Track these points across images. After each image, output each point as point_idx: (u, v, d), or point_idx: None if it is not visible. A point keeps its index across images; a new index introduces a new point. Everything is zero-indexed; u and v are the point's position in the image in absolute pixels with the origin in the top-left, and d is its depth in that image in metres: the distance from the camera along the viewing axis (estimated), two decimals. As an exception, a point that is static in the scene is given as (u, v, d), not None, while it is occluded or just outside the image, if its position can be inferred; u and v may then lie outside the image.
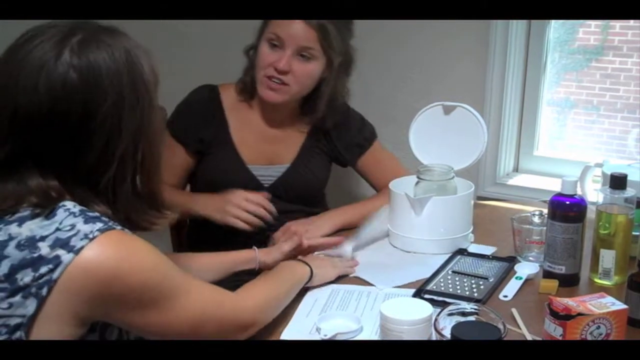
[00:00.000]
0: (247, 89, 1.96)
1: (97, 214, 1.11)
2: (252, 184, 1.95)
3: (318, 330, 1.37)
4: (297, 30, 1.82)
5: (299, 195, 2.01)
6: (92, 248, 1.06)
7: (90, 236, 1.07)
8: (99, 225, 1.09)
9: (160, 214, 1.23)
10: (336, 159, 2.07)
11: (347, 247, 1.72)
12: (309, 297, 1.53)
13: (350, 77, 1.99)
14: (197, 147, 1.96)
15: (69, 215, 1.09)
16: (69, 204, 1.11)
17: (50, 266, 1.05)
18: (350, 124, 2.05)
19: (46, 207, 1.10)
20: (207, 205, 1.87)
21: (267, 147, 1.99)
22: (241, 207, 1.82)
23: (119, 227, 1.11)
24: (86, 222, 1.08)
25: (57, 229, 1.07)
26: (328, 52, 1.86)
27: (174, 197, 1.91)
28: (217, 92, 1.99)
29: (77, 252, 1.05)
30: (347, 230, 1.90)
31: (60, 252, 1.05)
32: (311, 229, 1.84)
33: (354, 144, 2.05)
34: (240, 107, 1.99)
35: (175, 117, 1.98)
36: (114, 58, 1.11)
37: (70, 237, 1.06)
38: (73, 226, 1.08)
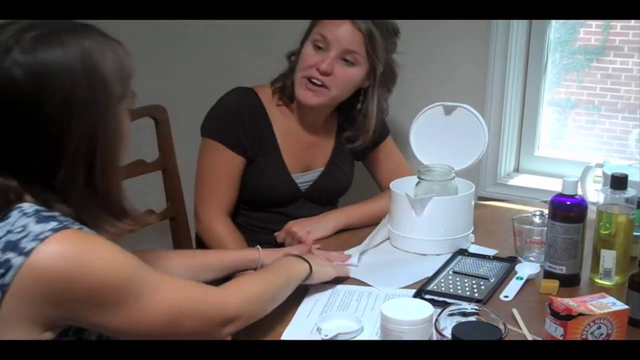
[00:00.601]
0: (287, 94, 1.93)
1: (53, 213, 1.08)
2: (293, 191, 1.96)
3: (319, 330, 1.37)
4: (344, 32, 1.81)
5: (331, 197, 2.03)
6: (42, 249, 1.03)
7: (41, 237, 1.03)
8: (53, 224, 1.05)
9: (118, 222, 1.17)
10: (354, 155, 2.08)
11: (354, 259, 1.71)
12: (309, 297, 1.53)
13: (391, 94, 1.97)
14: (249, 154, 1.90)
15: (22, 216, 1.06)
16: (26, 205, 1.08)
17: (2, 270, 1.02)
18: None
19: (2, 209, 1.07)
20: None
21: (306, 153, 1.98)
22: None
23: (76, 226, 1.08)
24: (38, 222, 1.05)
25: (9, 232, 1.05)
26: (372, 58, 1.85)
27: (225, 243, 1.85)
28: (256, 96, 1.93)
29: (27, 254, 1.02)
30: (349, 230, 1.90)
31: (11, 255, 1.03)
32: (313, 230, 1.84)
33: (369, 142, 2.05)
34: (280, 111, 1.95)
35: (225, 123, 1.90)
36: (66, 56, 1.08)
37: (20, 239, 1.04)
38: (24, 227, 1.05)
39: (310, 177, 1.99)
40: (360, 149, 2.04)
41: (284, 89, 1.93)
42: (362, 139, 1.97)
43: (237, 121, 1.88)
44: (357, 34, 1.81)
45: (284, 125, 1.95)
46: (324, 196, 2.01)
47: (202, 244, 1.98)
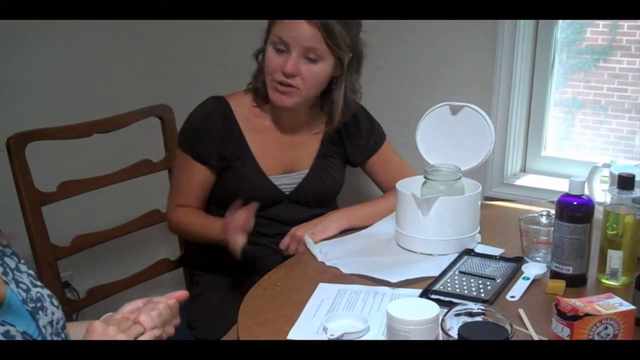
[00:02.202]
0: (260, 94, 1.94)
1: None
2: (273, 193, 1.96)
3: (325, 330, 1.37)
4: (301, 31, 1.80)
5: (318, 200, 2.01)
6: None
7: None
8: None
9: None
10: (347, 160, 2.07)
11: (315, 250, 1.76)
12: (315, 297, 1.53)
13: (360, 74, 1.96)
14: (219, 164, 1.93)
15: None
16: None
17: None
18: (361, 127, 2.04)
19: None
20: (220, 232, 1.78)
21: (285, 154, 1.98)
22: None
23: None
24: None
25: None
26: (335, 51, 1.83)
27: (191, 218, 1.93)
28: (226, 104, 1.94)
29: None
30: (352, 231, 1.90)
31: None
32: (317, 232, 1.84)
33: (364, 147, 2.06)
34: (253, 115, 1.96)
35: (191, 136, 1.93)
36: None
37: None
38: None
39: (293, 179, 1.98)
40: (358, 158, 2.06)
41: (257, 91, 1.94)
42: (330, 125, 1.97)
43: (203, 132, 1.92)
44: (313, 30, 1.80)
45: (258, 128, 1.96)
46: (310, 198, 2.00)
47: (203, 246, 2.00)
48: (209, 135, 1.91)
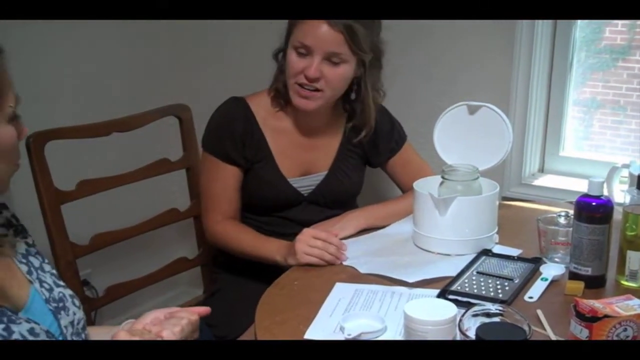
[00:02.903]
0: (281, 96, 1.93)
1: None
2: (292, 196, 1.96)
3: (342, 329, 1.37)
4: (323, 35, 1.78)
5: (337, 201, 2.01)
6: None
7: None
8: None
9: None
10: (367, 160, 2.07)
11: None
12: (332, 296, 1.53)
13: (382, 69, 1.95)
14: (244, 165, 1.93)
15: None
16: None
17: None
18: (382, 127, 2.03)
19: None
20: (278, 251, 1.78)
21: (304, 156, 1.98)
22: (310, 244, 1.71)
23: None
24: None
25: None
26: (357, 53, 1.83)
27: (240, 234, 1.90)
28: (246, 105, 1.94)
29: None
30: (370, 230, 1.90)
31: None
32: (334, 231, 1.84)
33: (385, 147, 2.05)
34: (272, 117, 1.96)
35: (217, 138, 1.93)
36: None
37: None
38: None
39: (311, 181, 1.98)
40: (378, 159, 2.06)
41: (278, 93, 1.94)
42: (366, 128, 1.96)
43: (227, 133, 1.91)
44: (336, 34, 1.78)
45: (278, 130, 1.96)
46: (328, 200, 2.00)
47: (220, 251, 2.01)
48: (232, 136, 1.91)
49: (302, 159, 1.97)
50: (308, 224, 1.91)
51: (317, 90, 1.83)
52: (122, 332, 1.23)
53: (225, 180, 1.92)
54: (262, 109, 1.95)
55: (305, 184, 1.97)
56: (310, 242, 1.71)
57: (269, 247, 1.81)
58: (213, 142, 1.93)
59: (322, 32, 1.78)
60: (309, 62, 1.81)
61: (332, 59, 1.81)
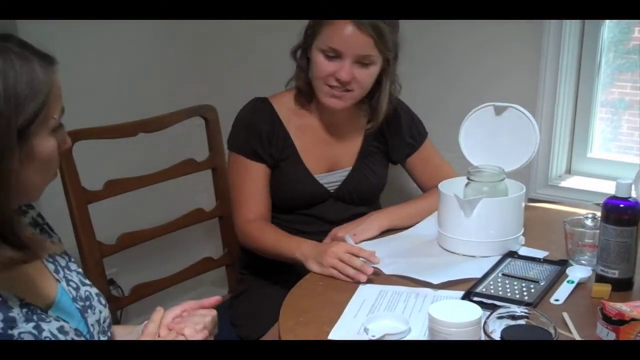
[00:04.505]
0: (303, 94, 1.94)
1: None
2: (319, 192, 1.96)
3: (366, 330, 1.37)
4: (353, 40, 1.79)
5: (362, 197, 2.01)
6: None
7: None
8: None
9: (15, 252, 1.08)
10: (389, 157, 2.07)
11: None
12: (357, 298, 1.53)
13: (397, 62, 1.95)
14: (271, 163, 1.93)
15: None
16: None
17: None
18: (402, 122, 2.04)
19: None
20: (306, 254, 1.73)
21: (329, 152, 1.98)
22: (342, 260, 1.64)
23: None
24: None
25: None
26: (385, 53, 1.84)
27: (265, 232, 1.88)
28: (269, 105, 1.95)
29: None
30: (393, 231, 1.90)
31: None
32: (358, 232, 1.84)
33: (405, 143, 2.05)
34: (295, 115, 1.97)
35: (243, 137, 1.93)
36: None
37: None
38: None
39: (337, 177, 1.99)
40: (398, 154, 2.05)
41: (300, 91, 1.95)
42: (375, 120, 1.97)
43: (253, 132, 1.92)
44: (366, 38, 1.79)
45: (302, 127, 1.97)
46: (354, 196, 2.00)
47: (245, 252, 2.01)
48: (259, 135, 1.92)
49: (327, 155, 1.98)
50: (333, 222, 1.91)
51: (348, 90, 1.84)
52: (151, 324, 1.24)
53: (255, 178, 1.92)
54: (285, 107, 1.96)
55: (331, 180, 1.98)
56: (343, 258, 1.64)
57: (290, 244, 1.80)
58: (240, 142, 1.94)
59: (352, 37, 1.78)
60: (339, 65, 1.81)
61: (362, 61, 1.82)
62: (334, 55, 1.81)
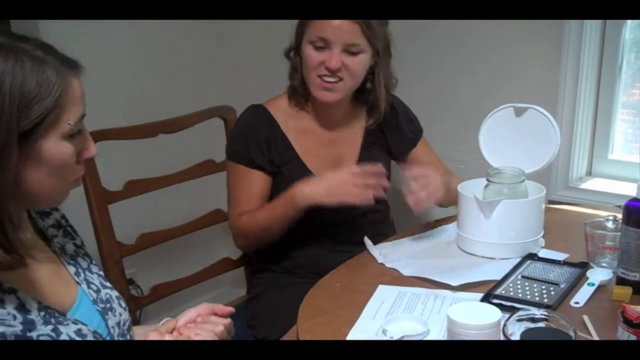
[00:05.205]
0: (299, 94, 1.95)
1: None
2: None
3: (384, 332, 1.37)
4: (341, 27, 1.81)
5: None
6: None
7: None
8: None
9: (3, 255, 1.06)
10: (390, 152, 2.07)
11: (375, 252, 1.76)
12: (375, 298, 1.53)
13: (391, 57, 1.96)
14: (272, 169, 1.94)
15: None
16: None
17: None
18: (399, 117, 2.05)
19: None
20: (311, 194, 1.76)
21: (330, 152, 1.98)
22: (352, 183, 1.72)
23: None
24: None
25: None
26: (373, 42, 1.85)
27: (259, 213, 1.88)
28: (265, 110, 1.96)
29: None
30: (412, 233, 1.89)
31: None
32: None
33: (405, 138, 2.06)
34: (292, 117, 1.97)
35: (241, 146, 1.94)
36: None
37: None
38: None
39: None
40: (399, 149, 2.06)
41: (295, 92, 1.95)
42: (376, 115, 1.98)
43: (251, 139, 1.92)
44: (354, 26, 1.81)
45: (300, 130, 1.97)
46: None
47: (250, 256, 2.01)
48: (256, 142, 1.92)
49: (329, 155, 1.98)
50: (340, 222, 1.91)
51: (339, 80, 1.85)
52: (154, 332, 1.24)
53: (250, 186, 1.92)
54: (281, 111, 1.97)
55: None
56: (353, 180, 1.71)
57: (285, 199, 1.80)
58: (237, 150, 1.94)
59: (340, 25, 1.80)
60: (328, 54, 1.83)
61: (350, 50, 1.83)
62: (323, 45, 1.83)
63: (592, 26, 2.22)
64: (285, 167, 1.94)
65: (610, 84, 2.30)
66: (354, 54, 1.84)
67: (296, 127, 1.97)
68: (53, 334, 1.12)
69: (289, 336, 1.74)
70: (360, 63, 1.86)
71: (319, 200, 1.75)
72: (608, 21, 2.25)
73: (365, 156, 2.00)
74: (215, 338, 1.27)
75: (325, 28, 1.81)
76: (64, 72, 1.09)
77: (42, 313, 1.12)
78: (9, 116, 1.02)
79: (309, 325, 1.44)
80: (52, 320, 1.13)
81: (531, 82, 2.31)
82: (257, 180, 1.93)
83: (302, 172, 1.94)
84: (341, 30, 1.81)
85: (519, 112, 1.90)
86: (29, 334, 1.09)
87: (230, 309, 1.36)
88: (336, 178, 1.75)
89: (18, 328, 1.08)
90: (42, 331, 1.11)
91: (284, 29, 2.30)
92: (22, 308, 1.10)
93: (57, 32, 1.30)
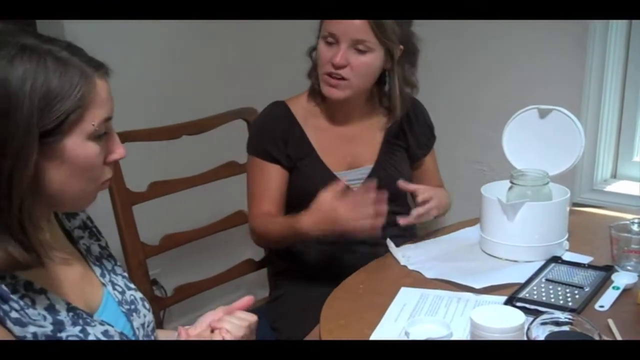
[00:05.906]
0: (317, 92, 1.97)
1: None
2: None
3: (407, 334, 1.37)
4: (349, 24, 1.81)
5: (387, 195, 2.00)
6: None
7: None
8: None
9: (22, 253, 1.06)
10: (409, 154, 2.07)
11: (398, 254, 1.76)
12: (397, 301, 1.53)
13: (416, 68, 1.96)
14: (287, 163, 1.95)
15: None
16: None
17: None
18: (420, 121, 2.06)
19: None
20: (318, 225, 1.75)
21: (348, 149, 1.99)
22: (357, 218, 1.69)
23: None
24: None
25: None
26: (385, 42, 1.84)
27: (272, 226, 1.90)
28: (285, 107, 1.98)
29: None
30: (435, 235, 1.88)
31: None
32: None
33: (424, 143, 2.06)
34: (311, 114, 1.99)
35: (259, 140, 1.96)
36: None
37: None
38: None
39: (358, 175, 1.98)
40: (417, 152, 2.06)
41: (314, 89, 1.97)
42: (391, 119, 1.98)
43: (268, 133, 1.94)
44: (362, 22, 1.81)
45: (319, 126, 1.98)
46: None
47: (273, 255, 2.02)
48: (274, 137, 1.94)
49: (346, 152, 1.98)
50: None
51: (343, 78, 1.85)
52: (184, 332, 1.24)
53: (267, 180, 1.94)
54: (301, 108, 1.99)
55: (352, 178, 1.97)
56: (357, 215, 1.69)
57: (305, 224, 1.78)
58: (255, 144, 1.97)
59: (348, 21, 1.81)
60: (336, 50, 1.84)
61: (358, 47, 1.83)
62: (333, 41, 1.84)
63: (617, 26, 2.20)
64: (301, 162, 1.95)
65: (636, 85, 2.28)
66: (361, 51, 1.84)
67: (315, 123, 1.98)
68: (81, 335, 1.12)
69: (312, 338, 1.74)
70: (367, 63, 1.86)
71: (322, 235, 1.76)
72: (633, 22, 2.23)
73: (384, 156, 2.00)
74: (244, 332, 1.27)
75: (335, 23, 1.83)
76: (89, 72, 1.09)
77: (71, 314, 1.13)
78: (29, 115, 1.03)
79: (331, 327, 1.45)
80: (80, 321, 1.14)
81: (555, 84, 2.30)
82: (273, 175, 1.94)
83: (319, 168, 1.95)
84: (349, 26, 1.81)
85: (543, 114, 1.88)
86: (58, 335, 1.10)
87: (250, 298, 1.32)
88: (337, 218, 1.70)
89: (48, 329, 1.09)
90: (71, 332, 1.11)
91: (308, 30, 2.31)
92: (51, 309, 1.11)
93: (82, 33, 1.30)
